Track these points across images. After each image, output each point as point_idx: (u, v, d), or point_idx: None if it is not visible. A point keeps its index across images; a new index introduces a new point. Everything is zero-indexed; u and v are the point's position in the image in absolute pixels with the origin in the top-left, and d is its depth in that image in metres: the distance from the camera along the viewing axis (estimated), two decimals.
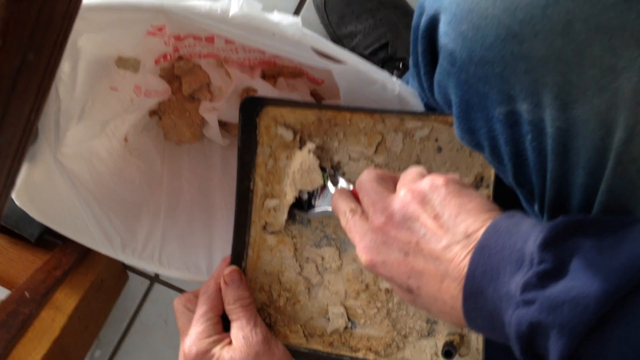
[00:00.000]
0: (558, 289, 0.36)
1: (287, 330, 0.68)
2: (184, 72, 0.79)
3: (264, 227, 0.69)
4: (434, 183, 0.47)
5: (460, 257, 0.42)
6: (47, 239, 0.97)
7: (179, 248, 0.75)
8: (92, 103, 0.64)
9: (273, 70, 0.79)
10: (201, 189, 0.81)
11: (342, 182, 0.64)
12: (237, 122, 0.68)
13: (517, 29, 0.40)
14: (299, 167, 0.65)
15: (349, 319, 0.67)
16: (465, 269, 0.41)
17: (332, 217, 0.68)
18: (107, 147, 0.73)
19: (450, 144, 0.64)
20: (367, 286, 0.67)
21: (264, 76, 0.79)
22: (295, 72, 0.79)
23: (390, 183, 0.52)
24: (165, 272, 0.73)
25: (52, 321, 0.88)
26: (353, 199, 0.55)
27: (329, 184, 0.65)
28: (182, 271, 0.74)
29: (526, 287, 0.37)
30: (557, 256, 0.37)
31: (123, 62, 0.67)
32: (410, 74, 0.68)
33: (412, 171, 0.51)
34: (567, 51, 0.39)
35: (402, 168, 0.65)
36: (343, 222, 0.53)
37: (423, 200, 0.46)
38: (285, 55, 0.62)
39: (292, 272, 0.68)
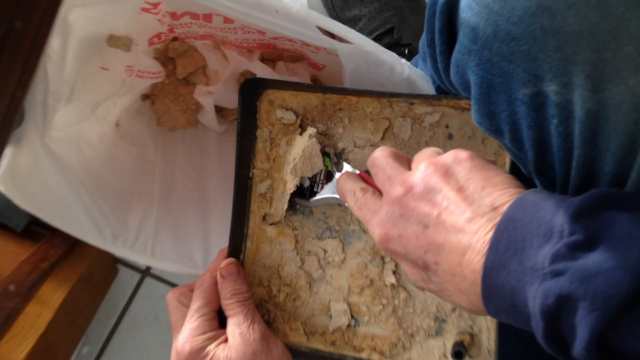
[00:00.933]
0: (591, 260, 0.34)
1: (286, 328, 0.65)
2: (178, 54, 0.77)
3: (264, 218, 0.67)
4: (457, 156, 0.45)
5: (485, 229, 0.39)
6: (33, 230, 0.94)
7: (173, 239, 0.72)
8: (82, 83, 0.61)
9: (272, 54, 0.77)
10: (196, 177, 0.79)
11: (347, 167, 0.62)
12: (234, 107, 0.66)
13: (548, 2, 0.38)
14: (300, 154, 0.62)
15: (352, 316, 0.64)
16: (489, 242, 0.39)
17: (335, 208, 0.65)
18: (98, 131, 0.71)
19: (462, 131, 0.61)
20: (372, 281, 0.64)
21: (262, 60, 0.77)
22: (295, 56, 0.77)
23: (404, 162, 0.50)
24: (159, 265, 0.70)
25: (38, 316, 0.86)
26: (362, 181, 0.53)
27: (333, 169, 0.63)
28: (176, 264, 0.71)
29: (556, 258, 0.35)
30: (590, 227, 0.35)
31: (115, 41, 0.64)
32: (419, 56, 0.65)
33: (428, 150, 0.49)
34: (603, 26, 0.37)
35: (410, 156, 0.62)
36: (352, 202, 0.51)
37: (446, 172, 0.44)
38: (288, 35, 0.59)
39: (293, 266, 0.66)
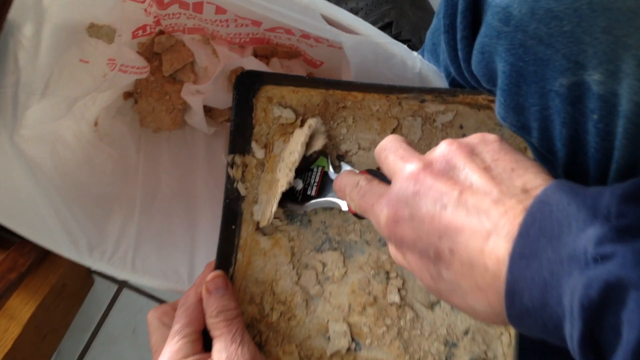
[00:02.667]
0: None
1: (279, 352, 0.60)
2: (165, 49, 0.72)
3: (257, 227, 0.61)
4: (484, 138, 0.40)
5: (515, 211, 0.34)
6: (1, 236, 0.90)
7: (156, 251, 0.67)
8: (58, 76, 0.57)
9: (266, 50, 0.73)
10: (182, 182, 0.75)
11: (346, 167, 0.57)
12: (224, 107, 0.64)
13: None
14: (298, 148, 0.57)
15: (352, 338, 0.59)
16: (519, 225, 0.33)
17: (335, 217, 0.61)
18: (75, 130, 0.65)
19: (478, 131, 0.57)
20: (375, 299, 0.59)
21: (255, 56, 0.73)
22: (290, 52, 0.73)
23: (415, 149, 0.44)
24: (140, 280, 0.65)
25: (4, 331, 0.83)
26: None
27: (330, 170, 0.57)
28: (159, 279, 0.66)
29: (601, 241, 0.29)
30: None
31: (96, 30, 0.59)
32: (426, 48, 0.61)
33: (447, 140, 0.44)
34: None
35: None
36: (352, 193, 0.46)
37: (472, 151, 0.39)
38: (289, 24, 0.56)
39: (288, 281, 0.60)
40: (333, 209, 0.60)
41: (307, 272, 0.60)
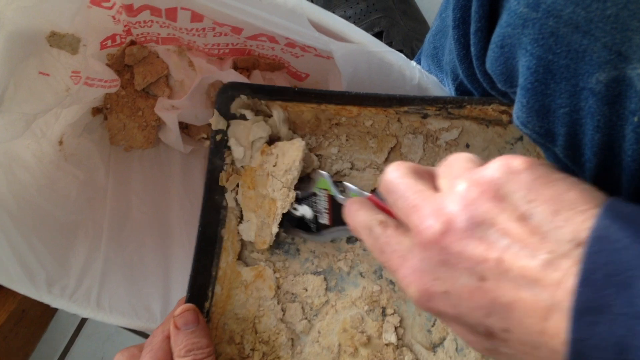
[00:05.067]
0: None
1: None
2: (137, 60, 0.68)
3: (239, 257, 0.56)
4: (509, 166, 0.33)
5: (572, 277, 0.28)
6: None
7: (125, 285, 0.63)
8: (14, 90, 0.53)
9: (247, 62, 0.69)
10: (156, 207, 0.71)
11: (352, 189, 0.50)
12: (202, 124, 0.60)
13: None
14: (296, 166, 0.53)
15: None
16: (579, 274, 0.27)
17: (326, 246, 0.56)
18: (35, 150, 0.61)
19: (486, 151, 0.53)
20: (369, 339, 0.54)
21: (235, 68, 0.69)
22: (274, 64, 0.70)
23: (427, 179, 0.38)
24: (107, 319, 0.61)
25: None
26: (377, 209, 0.41)
27: (337, 195, 0.51)
28: (128, 317, 0.61)
29: None
30: None
31: (58, 40, 0.55)
32: (424, 54, 0.56)
33: (460, 157, 0.37)
34: None
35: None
36: (369, 242, 0.39)
37: (497, 194, 0.32)
38: (272, 31, 0.52)
39: (272, 318, 0.55)
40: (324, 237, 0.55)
41: (292, 306, 0.55)
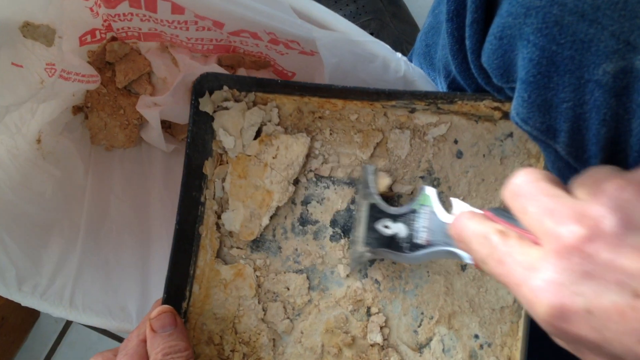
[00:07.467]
0: None
1: None
2: (118, 57, 0.66)
3: (217, 254, 0.54)
4: None
5: None
6: None
7: (101, 284, 0.60)
8: None
9: (232, 59, 0.67)
10: (135, 207, 0.68)
11: (458, 205, 0.43)
12: (185, 122, 0.58)
13: None
14: (299, 162, 0.52)
15: None
16: None
17: (309, 243, 0.55)
18: (9, 146, 0.59)
19: (475, 148, 0.51)
20: (353, 339, 0.52)
21: (220, 66, 0.68)
22: (259, 62, 0.68)
23: (563, 188, 0.33)
24: (79, 319, 0.58)
25: None
26: (493, 222, 0.36)
27: (440, 210, 0.46)
28: (102, 317, 0.59)
29: None
30: None
31: (31, 30, 0.53)
32: (416, 52, 0.57)
33: (600, 168, 0.33)
34: None
35: (407, 177, 0.51)
36: (483, 252, 0.35)
37: None
38: (254, 19, 0.50)
39: (253, 318, 0.53)
40: (306, 234, 0.53)
41: (274, 306, 0.54)
